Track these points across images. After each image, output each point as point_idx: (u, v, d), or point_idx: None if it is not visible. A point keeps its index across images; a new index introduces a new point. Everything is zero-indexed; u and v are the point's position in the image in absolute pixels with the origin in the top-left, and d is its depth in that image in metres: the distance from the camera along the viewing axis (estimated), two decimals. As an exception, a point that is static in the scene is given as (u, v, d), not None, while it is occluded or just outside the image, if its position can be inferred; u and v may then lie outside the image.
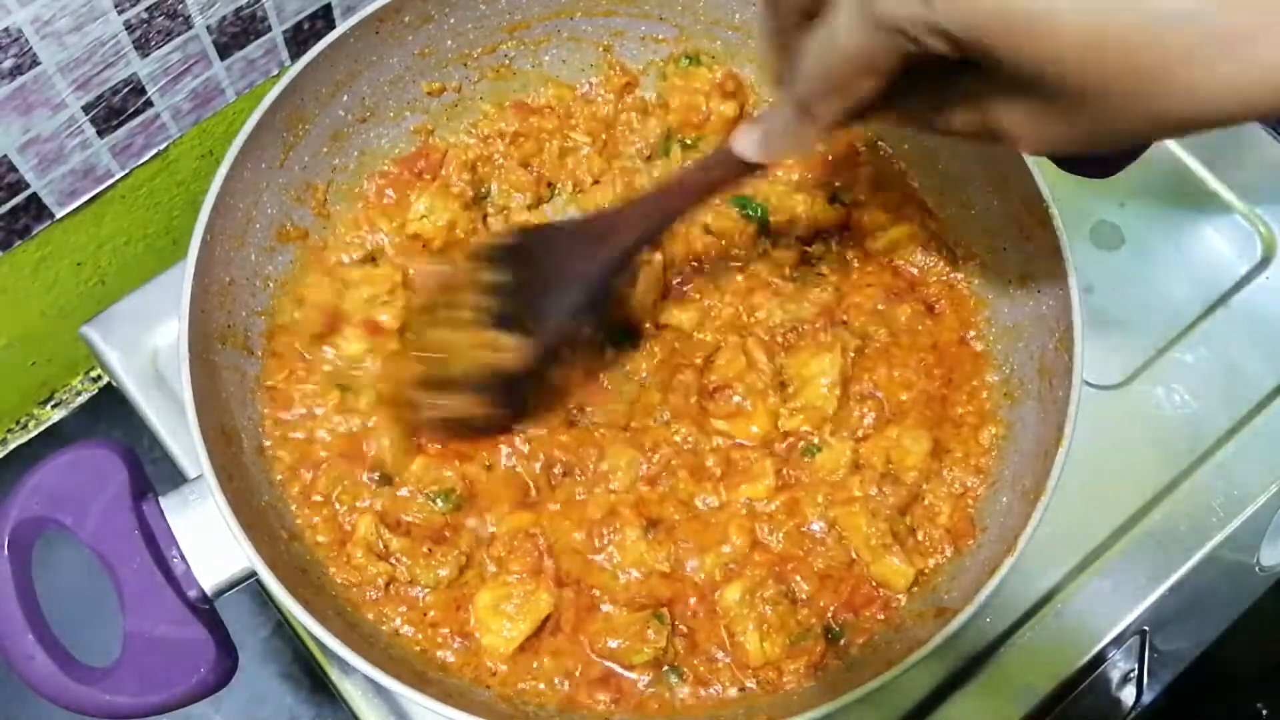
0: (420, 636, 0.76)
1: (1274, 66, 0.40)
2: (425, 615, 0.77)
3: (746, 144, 0.63)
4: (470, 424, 0.78)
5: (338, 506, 0.79)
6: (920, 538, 0.81)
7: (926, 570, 0.80)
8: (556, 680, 0.76)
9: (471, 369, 0.75)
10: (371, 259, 0.88)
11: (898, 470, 0.82)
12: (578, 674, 0.76)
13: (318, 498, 0.79)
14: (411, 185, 0.91)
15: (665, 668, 0.76)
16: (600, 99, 0.96)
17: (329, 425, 0.81)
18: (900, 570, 0.78)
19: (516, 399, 0.79)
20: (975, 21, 0.43)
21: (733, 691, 0.76)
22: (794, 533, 0.80)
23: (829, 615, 0.79)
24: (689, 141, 0.94)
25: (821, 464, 0.82)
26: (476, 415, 0.77)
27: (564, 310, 0.74)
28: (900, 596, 0.79)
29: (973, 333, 0.88)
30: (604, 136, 0.95)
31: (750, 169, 0.65)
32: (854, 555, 0.79)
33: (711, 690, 0.76)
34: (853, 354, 0.85)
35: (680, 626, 0.77)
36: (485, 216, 0.91)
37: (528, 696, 0.75)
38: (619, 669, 0.76)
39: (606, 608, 0.77)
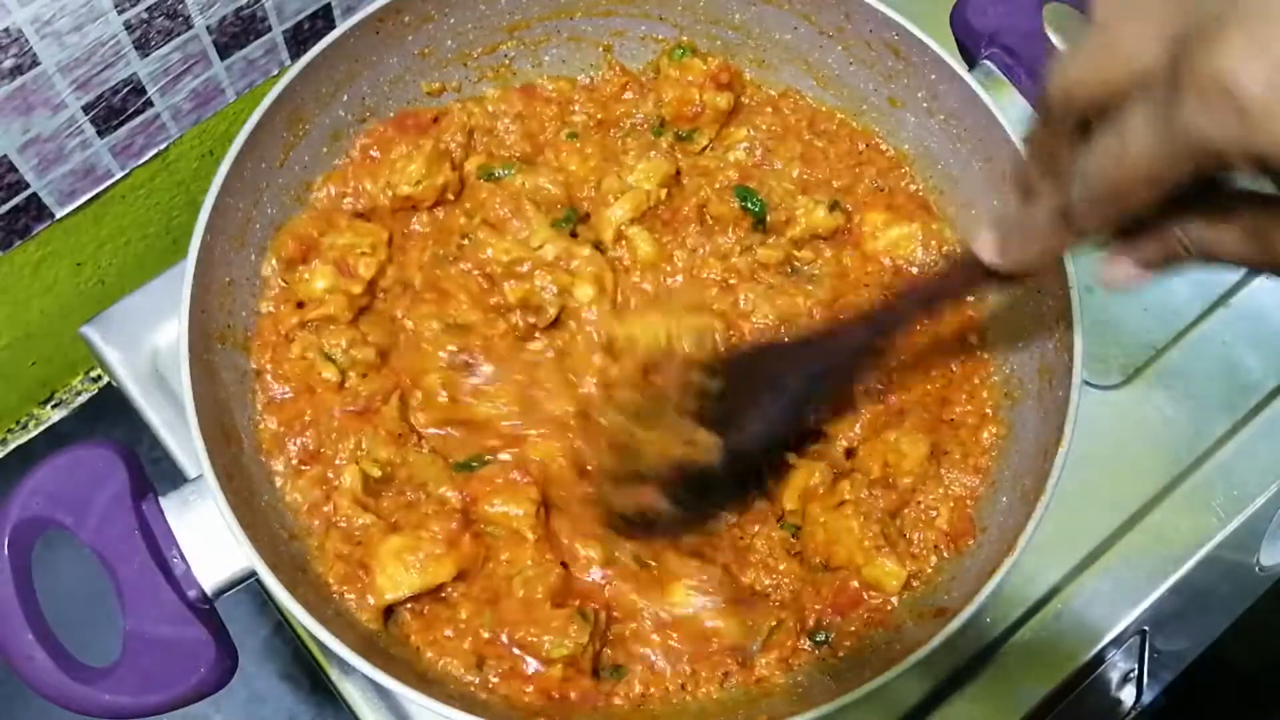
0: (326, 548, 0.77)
1: None
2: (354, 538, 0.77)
3: (988, 248, 0.62)
4: (648, 521, 0.78)
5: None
6: (915, 539, 0.81)
7: (919, 573, 0.80)
8: (466, 652, 0.76)
9: (661, 462, 0.75)
10: (365, 215, 0.88)
11: (895, 474, 0.82)
12: (492, 661, 0.75)
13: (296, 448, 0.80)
14: (395, 142, 0.90)
15: (606, 668, 0.76)
16: (601, 90, 0.96)
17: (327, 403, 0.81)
18: (893, 572, 0.78)
19: (697, 503, 0.78)
20: None
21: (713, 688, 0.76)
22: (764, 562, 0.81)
23: (814, 619, 0.79)
24: (683, 134, 0.94)
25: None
26: (657, 512, 0.76)
27: (762, 418, 0.75)
28: (891, 599, 0.79)
29: (973, 335, 0.88)
30: (600, 116, 0.95)
31: (988, 277, 0.64)
32: (845, 559, 0.79)
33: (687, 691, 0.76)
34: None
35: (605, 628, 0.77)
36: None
37: (519, 697, 0.75)
38: (532, 661, 0.75)
39: (522, 592, 0.76)
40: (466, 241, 0.87)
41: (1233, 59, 0.41)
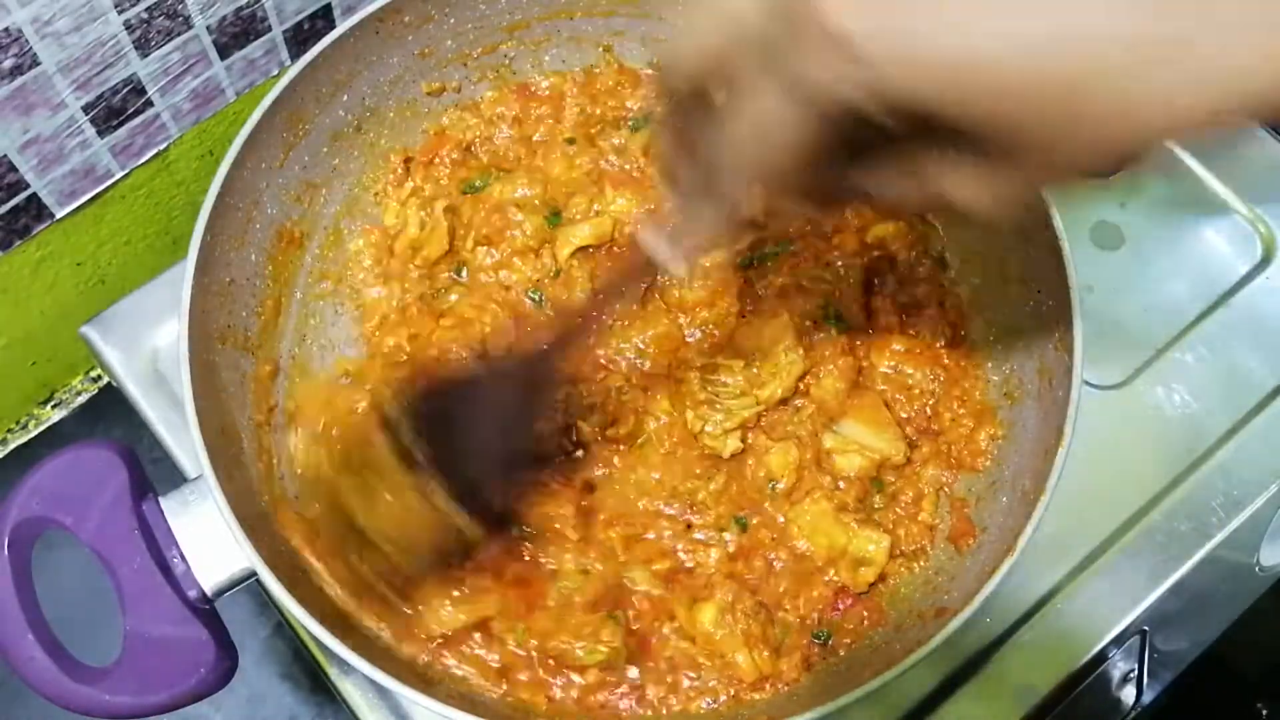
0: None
1: (1219, 69, 0.39)
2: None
3: (659, 251, 0.57)
4: None
5: None
6: (893, 513, 0.82)
7: (902, 545, 0.81)
8: (491, 666, 0.76)
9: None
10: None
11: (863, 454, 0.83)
12: (520, 675, 0.76)
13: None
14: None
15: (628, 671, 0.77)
16: (593, 84, 0.96)
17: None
18: (874, 539, 0.79)
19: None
20: (911, 77, 0.41)
21: (723, 697, 0.76)
22: (754, 550, 0.81)
23: (812, 619, 0.79)
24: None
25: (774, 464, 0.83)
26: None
27: None
28: (888, 580, 0.80)
29: (969, 345, 0.88)
30: (591, 110, 0.94)
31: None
32: (828, 545, 0.80)
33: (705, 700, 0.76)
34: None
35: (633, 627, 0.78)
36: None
37: (540, 704, 0.75)
38: (568, 672, 0.76)
39: (554, 602, 0.77)
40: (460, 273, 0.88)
41: (820, 7, 0.40)
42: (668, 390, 0.83)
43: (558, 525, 0.78)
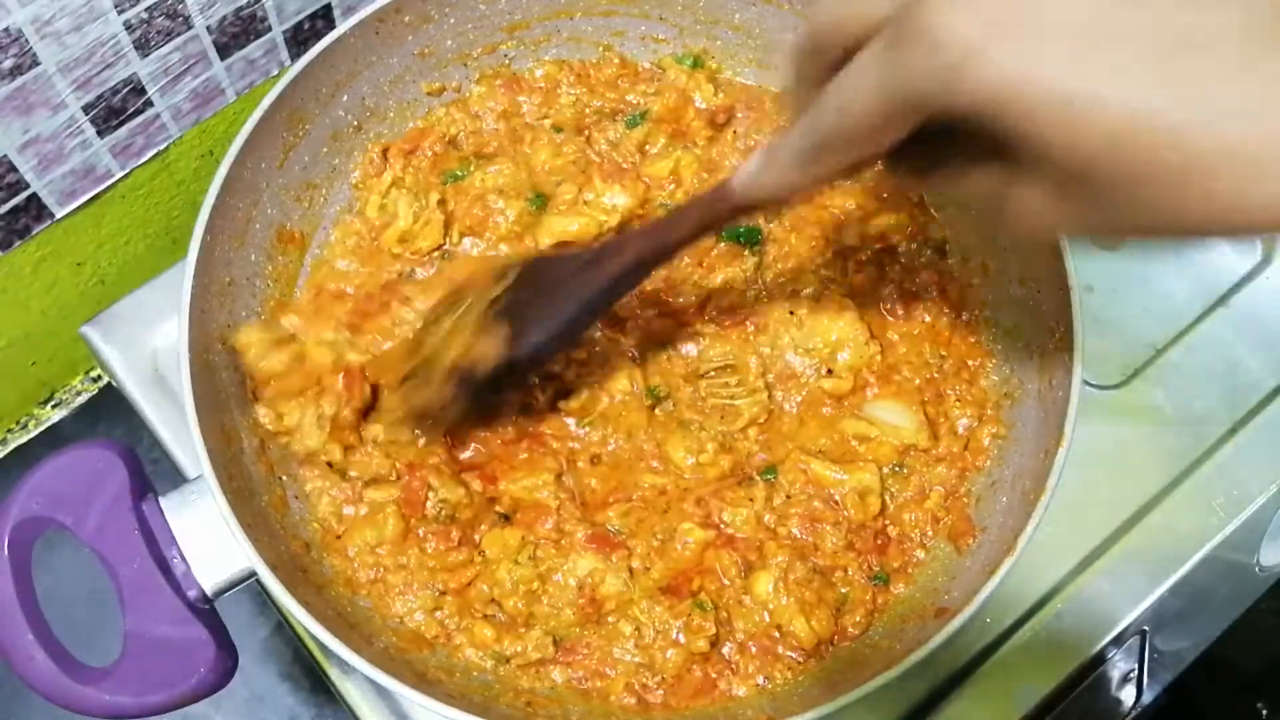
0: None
1: None
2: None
3: (742, 177, 0.61)
4: (435, 416, 0.78)
5: None
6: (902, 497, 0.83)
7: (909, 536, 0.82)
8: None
9: (446, 360, 0.75)
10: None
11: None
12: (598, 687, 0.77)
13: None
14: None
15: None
16: (591, 75, 0.95)
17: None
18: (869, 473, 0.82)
19: (479, 398, 0.78)
20: (1002, 101, 0.42)
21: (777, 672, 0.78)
22: (804, 502, 0.82)
23: (866, 567, 0.80)
24: (650, 123, 0.92)
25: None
26: (441, 407, 0.76)
27: (545, 329, 0.74)
28: (921, 548, 0.81)
29: (972, 335, 0.88)
30: (589, 102, 0.94)
31: (749, 207, 0.62)
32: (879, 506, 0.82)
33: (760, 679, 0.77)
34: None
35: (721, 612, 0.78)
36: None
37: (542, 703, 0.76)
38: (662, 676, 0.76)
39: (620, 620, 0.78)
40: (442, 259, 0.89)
41: (938, 7, 0.42)
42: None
43: (536, 497, 0.78)
